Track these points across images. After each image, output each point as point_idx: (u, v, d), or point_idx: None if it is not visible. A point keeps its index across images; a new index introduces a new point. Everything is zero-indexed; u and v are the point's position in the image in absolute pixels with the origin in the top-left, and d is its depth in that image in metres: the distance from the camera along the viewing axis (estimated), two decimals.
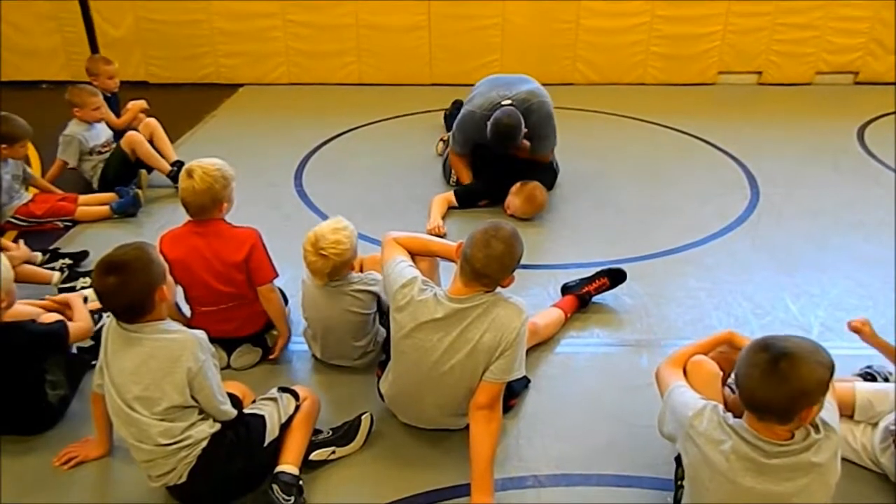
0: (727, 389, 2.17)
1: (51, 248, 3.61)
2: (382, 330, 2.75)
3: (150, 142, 4.40)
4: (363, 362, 2.78)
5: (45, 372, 2.46)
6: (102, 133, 4.38)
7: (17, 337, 2.36)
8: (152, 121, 4.54)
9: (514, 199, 4.03)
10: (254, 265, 2.65)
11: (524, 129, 3.91)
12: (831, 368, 1.66)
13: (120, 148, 4.32)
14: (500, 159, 4.10)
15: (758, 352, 1.67)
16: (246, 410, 2.23)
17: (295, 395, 2.33)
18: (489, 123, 3.88)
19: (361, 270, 2.80)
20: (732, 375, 1.80)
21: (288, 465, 2.19)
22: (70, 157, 4.25)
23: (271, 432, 2.20)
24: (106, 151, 4.35)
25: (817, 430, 1.71)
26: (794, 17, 6.38)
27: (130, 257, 2.00)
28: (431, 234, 3.58)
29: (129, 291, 1.97)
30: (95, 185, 4.32)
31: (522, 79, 4.22)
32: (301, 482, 2.19)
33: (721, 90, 6.61)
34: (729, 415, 1.77)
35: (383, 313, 2.74)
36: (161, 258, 2.11)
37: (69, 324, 2.49)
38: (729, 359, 2.13)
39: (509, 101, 3.94)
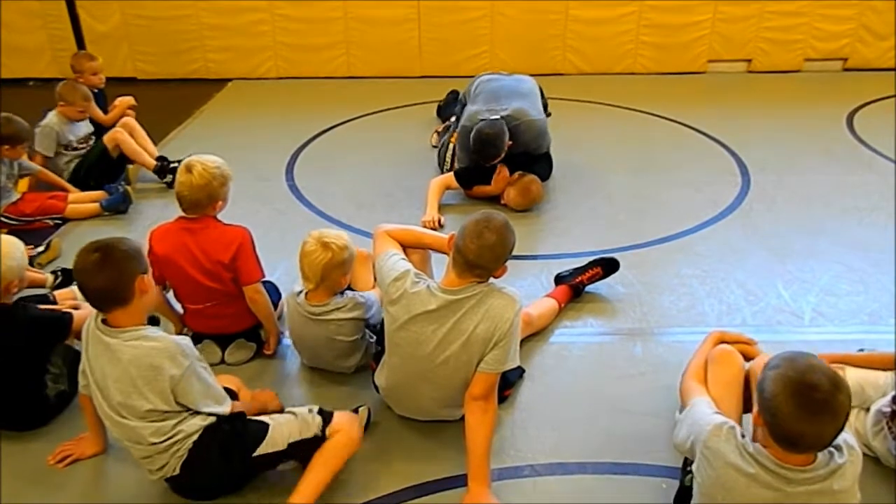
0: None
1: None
2: (371, 338, 2.70)
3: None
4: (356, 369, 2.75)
5: (49, 363, 2.45)
6: (82, 128, 4.34)
7: (20, 316, 2.38)
8: (130, 119, 4.49)
9: (509, 191, 4.05)
10: (240, 265, 2.62)
11: (508, 142, 3.92)
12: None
13: (101, 143, 4.27)
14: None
15: (800, 392, 1.54)
16: (258, 418, 2.16)
17: (326, 419, 2.13)
18: (471, 134, 3.91)
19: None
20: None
21: None
22: (46, 148, 4.16)
23: (271, 443, 2.07)
24: (83, 147, 4.30)
25: (840, 451, 1.63)
26: (783, 4, 6.40)
27: (115, 241, 2.00)
28: (427, 228, 3.58)
29: (109, 271, 1.93)
30: (66, 179, 4.20)
31: (516, 90, 4.23)
32: None
33: (711, 78, 6.62)
34: (748, 440, 1.69)
35: (370, 327, 2.70)
36: (145, 254, 2.10)
37: (75, 312, 2.47)
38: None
39: (497, 117, 3.98)
